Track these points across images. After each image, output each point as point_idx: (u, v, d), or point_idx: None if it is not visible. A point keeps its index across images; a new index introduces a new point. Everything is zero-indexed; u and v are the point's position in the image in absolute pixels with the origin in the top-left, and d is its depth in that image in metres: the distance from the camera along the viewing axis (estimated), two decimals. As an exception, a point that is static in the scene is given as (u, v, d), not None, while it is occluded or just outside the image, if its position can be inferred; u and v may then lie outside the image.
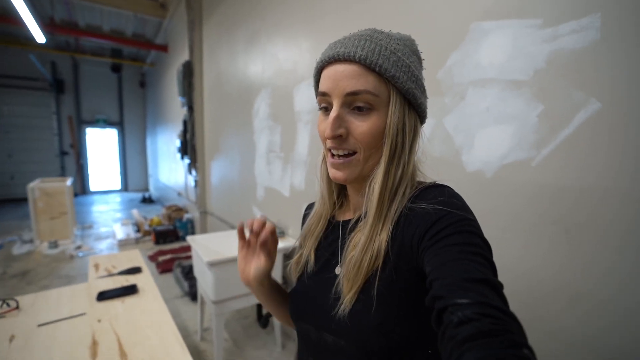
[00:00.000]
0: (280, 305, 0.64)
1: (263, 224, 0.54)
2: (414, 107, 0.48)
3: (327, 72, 0.46)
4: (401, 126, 0.46)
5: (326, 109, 0.48)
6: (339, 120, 0.46)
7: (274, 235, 0.56)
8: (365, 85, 0.44)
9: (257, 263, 0.56)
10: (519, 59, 0.89)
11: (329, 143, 0.48)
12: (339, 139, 0.47)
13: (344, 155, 0.48)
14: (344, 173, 0.48)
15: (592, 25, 0.75)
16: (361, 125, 0.46)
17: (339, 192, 0.58)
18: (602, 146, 0.75)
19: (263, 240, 0.55)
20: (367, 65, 0.44)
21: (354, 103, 0.45)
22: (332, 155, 0.49)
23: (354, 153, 0.47)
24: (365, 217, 0.48)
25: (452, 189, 0.47)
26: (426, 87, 0.50)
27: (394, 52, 0.45)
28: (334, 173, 0.49)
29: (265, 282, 0.58)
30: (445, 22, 1.10)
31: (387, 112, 0.46)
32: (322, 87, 0.47)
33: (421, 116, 0.50)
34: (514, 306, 0.34)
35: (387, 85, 0.45)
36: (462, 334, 0.29)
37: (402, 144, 0.47)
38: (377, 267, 0.45)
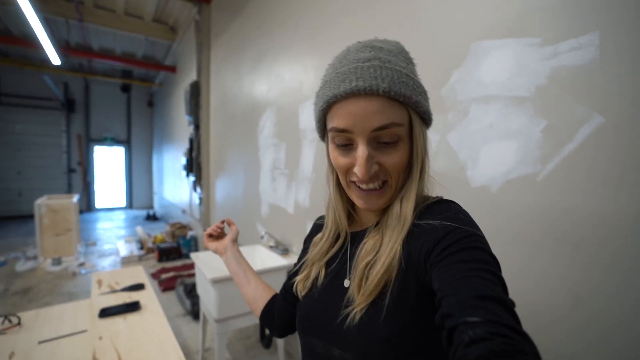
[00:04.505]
0: (249, 276, 0.72)
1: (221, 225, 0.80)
2: (424, 120, 0.48)
3: (346, 108, 0.43)
4: (424, 147, 0.47)
5: (345, 146, 0.46)
6: (371, 160, 0.44)
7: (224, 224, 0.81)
8: (392, 118, 0.42)
9: (229, 235, 0.79)
10: (521, 76, 0.91)
11: (354, 177, 0.47)
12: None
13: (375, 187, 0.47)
14: (378, 204, 0.48)
15: (591, 42, 0.76)
16: (392, 158, 0.45)
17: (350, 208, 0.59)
18: (606, 160, 0.75)
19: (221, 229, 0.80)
20: (392, 97, 0.42)
21: (381, 137, 0.44)
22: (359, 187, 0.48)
23: (385, 182, 0.47)
24: (383, 231, 0.48)
25: (458, 204, 0.47)
26: (430, 104, 0.50)
27: (408, 75, 0.43)
28: (365, 204, 0.48)
29: (236, 245, 0.77)
30: (447, 41, 1.13)
31: (411, 136, 0.46)
32: (341, 124, 0.44)
33: (427, 122, 0.50)
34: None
35: (407, 109, 0.45)
36: (473, 353, 0.28)
37: (424, 162, 0.48)
38: (388, 281, 0.44)
